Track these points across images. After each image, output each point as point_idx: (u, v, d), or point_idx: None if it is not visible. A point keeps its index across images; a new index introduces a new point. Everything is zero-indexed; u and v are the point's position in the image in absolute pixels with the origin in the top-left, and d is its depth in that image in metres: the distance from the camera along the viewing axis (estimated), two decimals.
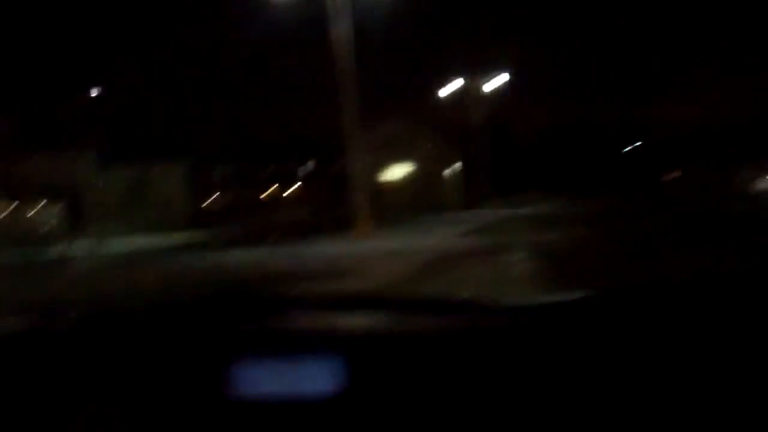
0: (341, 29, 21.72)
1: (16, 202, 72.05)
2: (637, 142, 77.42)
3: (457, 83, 46.07)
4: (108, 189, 64.72)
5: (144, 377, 1.54)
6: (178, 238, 33.01)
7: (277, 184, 77.49)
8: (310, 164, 75.15)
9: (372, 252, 14.85)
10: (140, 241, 29.55)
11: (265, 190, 76.75)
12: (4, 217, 65.43)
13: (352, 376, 1.46)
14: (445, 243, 16.04)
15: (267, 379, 1.50)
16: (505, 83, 56.27)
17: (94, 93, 56.14)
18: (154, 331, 1.69)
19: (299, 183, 77.40)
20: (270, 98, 73.34)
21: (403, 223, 28.80)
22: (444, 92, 46.71)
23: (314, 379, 1.47)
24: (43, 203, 75.54)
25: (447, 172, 65.02)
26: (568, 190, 66.37)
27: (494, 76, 41.37)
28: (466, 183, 61.68)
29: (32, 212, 77.74)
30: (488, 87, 55.16)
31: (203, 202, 65.86)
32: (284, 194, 78.09)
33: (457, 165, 63.21)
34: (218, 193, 69.23)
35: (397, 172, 64.38)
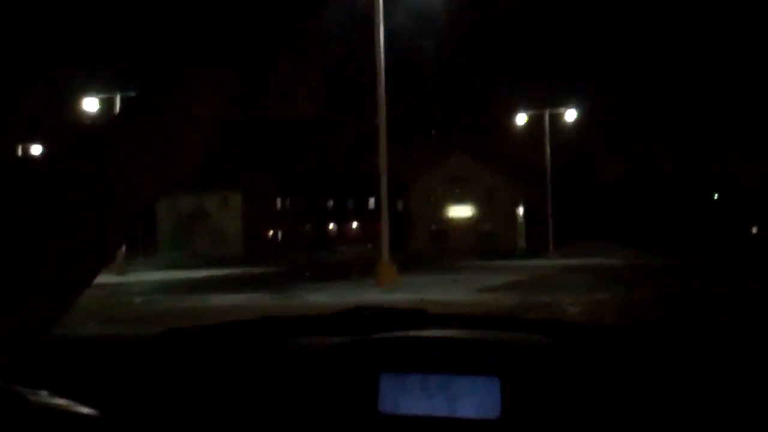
0: (378, 59, 19.57)
1: None
2: (723, 192, 72.98)
3: (528, 119, 43.52)
4: (163, 219, 64.11)
5: (288, 388, 1.54)
6: (225, 272, 31.29)
7: (336, 220, 75.86)
8: (371, 201, 73.47)
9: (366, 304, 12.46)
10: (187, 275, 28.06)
11: (326, 225, 75.21)
12: None
13: (512, 397, 1.40)
14: (461, 299, 13.57)
15: (417, 396, 1.45)
16: (582, 121, 53.55)
17: None
18: (300, 344, 1.67)
19: (359, 220, 75.48)
20: (332, 134, 71.77)
21: (441, 270, 26.18)
22: (513, 129, 44.19)
23: (469, 398, 1.41)
24: None
25: (515, 213, 61.93)
26: (644, 239, 62.52)
27: (568, 114, 38.73)
28: (532, 227, 58.43)
29: None
30: (562, 125, 52.37)
31: (260, 235, 64.41)
32: (346, 230, 76.32)
33: (524, 207, 60.09)
34: (276, 227, 67.78)
35: (460, 211, 61.68)
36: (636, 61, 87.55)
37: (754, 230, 66.22)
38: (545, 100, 41.04)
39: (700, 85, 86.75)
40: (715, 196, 71.72)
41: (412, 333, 1.60)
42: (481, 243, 58.28)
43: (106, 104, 30.67)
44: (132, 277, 28.59)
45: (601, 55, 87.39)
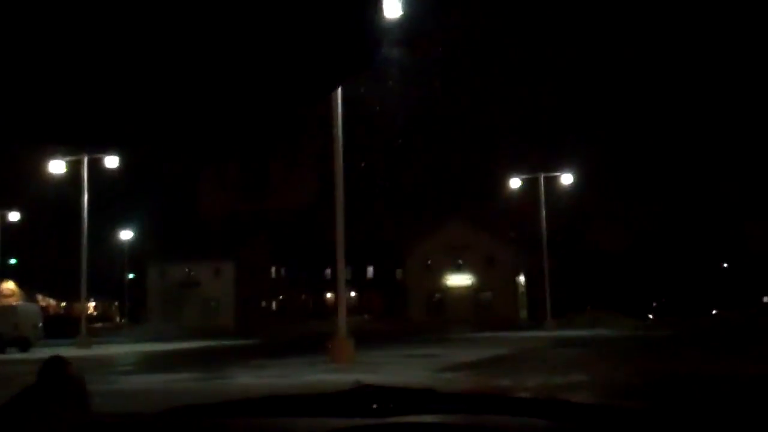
0: (337, 133, 18.20)
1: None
2: (733, 259, 70.72)
3: (525, 184, 41.81)
4: (153, 288, 62.26)
5: None
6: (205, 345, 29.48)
7: (334, 289, 73.83)
8: (370, 270, 71.40)
9: (303, 386, 10.62)
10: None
11: (323, 294, 73.09)
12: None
13: None
14: (408, 382, 11.73)
15: None
16: (584, 188, 51.88)
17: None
18: (305, 425, 1.64)
19: (357, 289, 73.44)
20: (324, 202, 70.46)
21: (418, 343, 24.19)
22: (512, 195, 42.56)
23: None
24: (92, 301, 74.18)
25: (516, 282, 59.86)
26: (653, 309, 60.41)
27: (564, 178, 37.02)
28: (532, 296, 56.30)
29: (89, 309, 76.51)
30: (561, 190, 50.93)
31: (254, 305, 62.34)
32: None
33: (525, 276, 58.01)
34: (271, 296, 65.78)
35: (459, 280, 59.60)
36: (639, 127, 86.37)
37: (766, 299, 63.70)
38: (546, 165, 39.43)
39: (704, 151, 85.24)
40: (725, 264, 69.43)
41: (416, 419, 1.59)
42: (480, 313, 56.06)
43: (73, 167, 29.31)
44: (95, 351, 26.84)
45: (602, 121, 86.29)
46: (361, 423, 1.52)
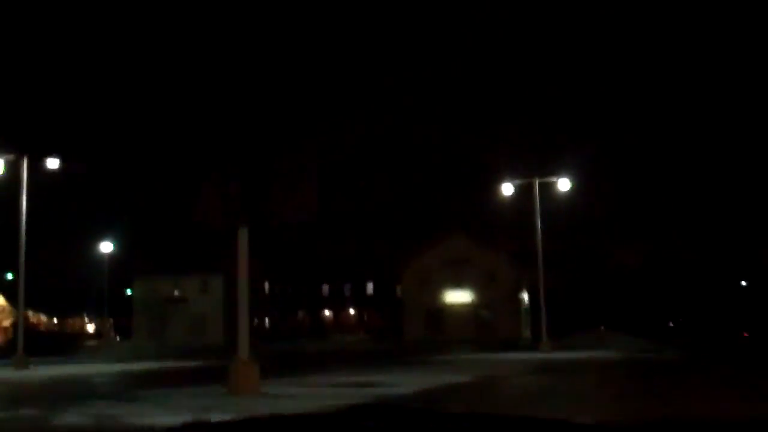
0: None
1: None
2: (751, 278, 66.89)
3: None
4: (139, 303, 59.44)
5: None
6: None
7: (332, 307, 70.60)
8: (370, 286, 68.19)
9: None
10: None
11: (320, 312, 69.98)
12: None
13: None
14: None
15: None
16: (590, 197, 48.91)
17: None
18: None
19: (356, 306, 70.27)
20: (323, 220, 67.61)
21: (375, 367, 21.03)
22: (506, 204, 39.48)
23: None
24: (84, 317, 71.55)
25: (519, 299, 56.42)
26: (659, 329, 56.87)
27: (561, 183, 33.86)
28: (536, 314, 52.82)
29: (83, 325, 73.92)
30: (566, 200, 47.60)
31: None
32: (342, 317, 70.94)
33: (529, 293, 54.56)
34: (263, 313, 62.68)
35: (458, 297, 56.25)
36: (658, 135, 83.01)
37: None
38: (551, 171, 36.19)
39: (726, 164, 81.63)
40: (743, 283, 65.58)
41: None
42: (480, 331, 52.73)
43: (12, 166, 26.53)
44: (30, 372, 23.92)
45: (617, 127, 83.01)
46: None
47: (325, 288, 69.66)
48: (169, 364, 29.30)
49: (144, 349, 44.86)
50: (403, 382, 15.20)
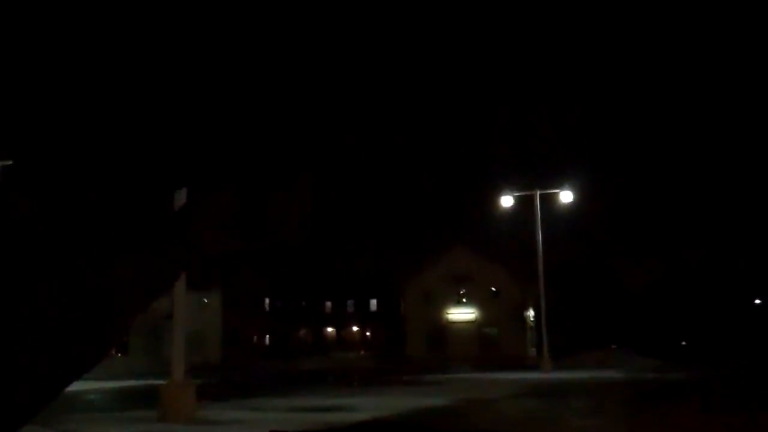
0: None
1: None
2: (765, 296, 64.89)
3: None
4: (136, 321, 58.09)
5: None
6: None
7: (335, 324, 69.12)
8: (373, 303, 66.64)
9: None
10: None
11: (323, 329, 68.51)
12: None
13: None
14: None
15: None
16: (604, 219, 47.43)
17: None
18: None
19: (359, 323, 68.75)
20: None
21: (348, 388, 19.67)
22: (506, 216, 38.19)
23: None
24: None
25: (524, 316, 54.78)
26: (670, 348, 55.01)
27: (563, 195, 32.52)
28: (539, 333, 51.17)
29: None
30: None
31: (243, 339, 57.92)
32: (346, 334, 69.41)
33: (532, 311, 52.92)
34: (264, 330, 61.32)
35: (461, 314, 54.68)
36: (667, 160, 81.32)
37: None
38: (554, 184, 34.81)
39: (735, 182, 79.74)
40: (757, 301, 63.56)
41: None
42: (484, 349, 51.14)
43: None
44: None
45: (625, 149, 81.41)
46: None
47: (328, 305, 68.24)
48: (149, 381, 28.04)
49: (139, 366, 44.04)
50: (368, 407, 13.83)
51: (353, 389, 19.16)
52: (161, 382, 27.67)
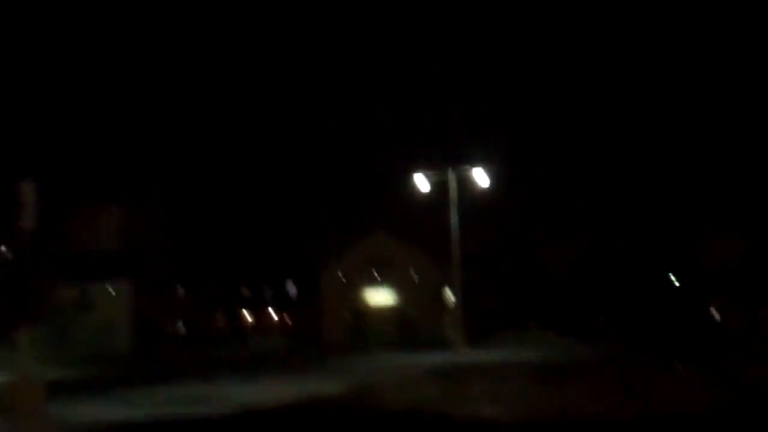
0: None
1: None
2: (680, 270, 66.02)
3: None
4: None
5: None
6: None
7: (253, 308, 67.57)
8: (290, 288, 65.25)
9: None
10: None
11: (240, 315, 66.89)
12: None
13: None
14: None
15: None
16: (522, 200, 47.16)
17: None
18: None
19: (276, 309, 67.37)
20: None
21: (237, 376, 18.48)
22: (420, 197, 37.31)
23: None
24: None
25: (444, 298, 54.19)
26: (589, 326, 55.51)
27: (479, 175, 31.85)
28: (463, 314, 50.66)
29: None
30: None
31: (155, 328, 55.78)
32: (264, 319, 67.98)
33: (451, 292, 52.41)
34: (176, 318, 59.33)
35: (380, 297, 53.80)
36: (583, 129, 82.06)
37: (716, 314, 58.83)
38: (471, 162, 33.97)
39: (646, 158, 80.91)
40: (671, 276, 64.59)
41: None
42: (403, 332, 50.50)
43: None
44: None
45: (537, 130, 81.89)
46: None
47: (245, 290, 66.65)
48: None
49: (42, 358, 41.81)
50: (247, 397, 12.65)
51: (248, 377, 17.97)
52: (57, 374, 25.97)
